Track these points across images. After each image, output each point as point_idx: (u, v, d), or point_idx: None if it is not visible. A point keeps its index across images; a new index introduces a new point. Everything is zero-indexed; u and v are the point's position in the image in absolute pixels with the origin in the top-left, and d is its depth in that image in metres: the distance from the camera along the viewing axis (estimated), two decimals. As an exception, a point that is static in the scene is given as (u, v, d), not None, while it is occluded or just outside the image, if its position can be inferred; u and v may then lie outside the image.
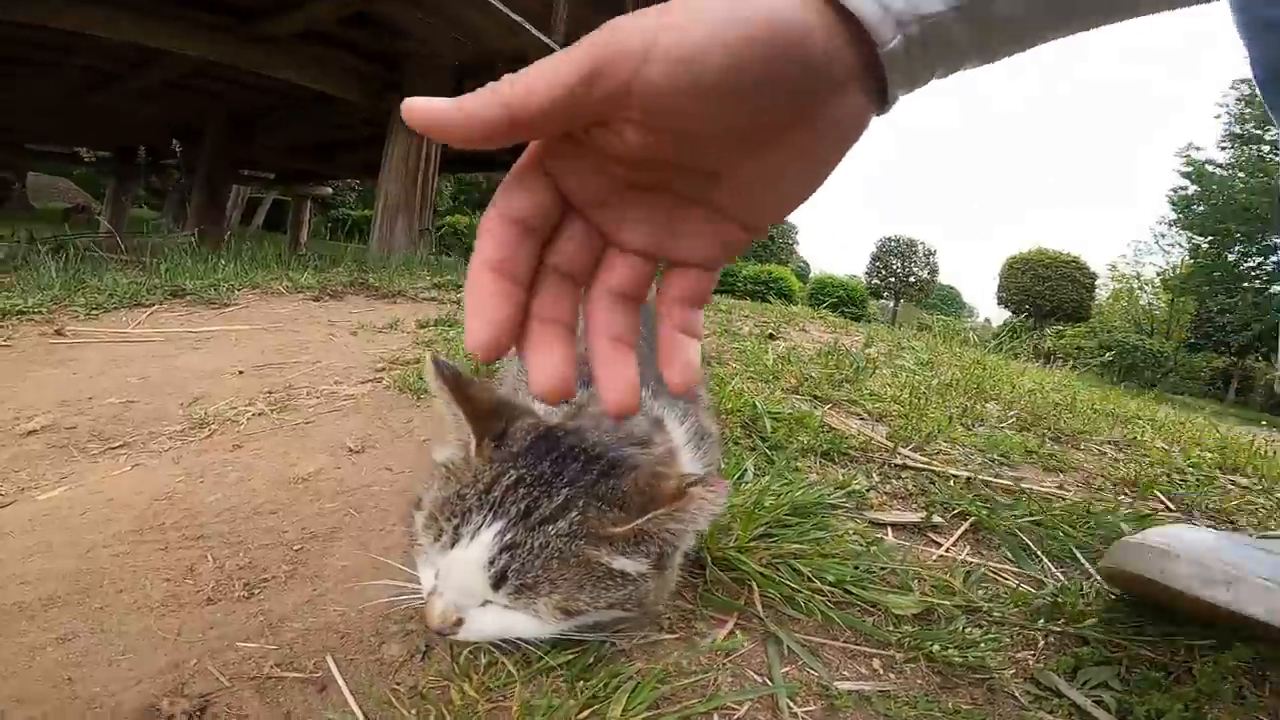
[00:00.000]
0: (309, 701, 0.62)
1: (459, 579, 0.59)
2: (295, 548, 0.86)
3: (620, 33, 0.33)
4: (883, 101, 0.38)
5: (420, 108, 0.34)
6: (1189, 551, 0.75)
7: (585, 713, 0.60)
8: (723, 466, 1.09)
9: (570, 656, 0.66)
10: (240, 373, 1.65)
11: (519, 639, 0.62)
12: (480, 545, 0.57)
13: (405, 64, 4.31)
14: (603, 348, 0.39)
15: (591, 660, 0.66)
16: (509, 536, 0.57)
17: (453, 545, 0.58)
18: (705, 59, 0.32)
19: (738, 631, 0.76)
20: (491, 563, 0.57)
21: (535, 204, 0.38)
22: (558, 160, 0.38)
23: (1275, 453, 2.01)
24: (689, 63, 0.32)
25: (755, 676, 0.70)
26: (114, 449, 1.24)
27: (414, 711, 0.61)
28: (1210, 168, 20.36)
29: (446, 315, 2.41)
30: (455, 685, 0.63)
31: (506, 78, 0.34)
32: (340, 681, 0.64)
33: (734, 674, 0.69)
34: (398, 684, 0.65)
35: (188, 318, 2.23)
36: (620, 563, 0.59)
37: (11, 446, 1.23)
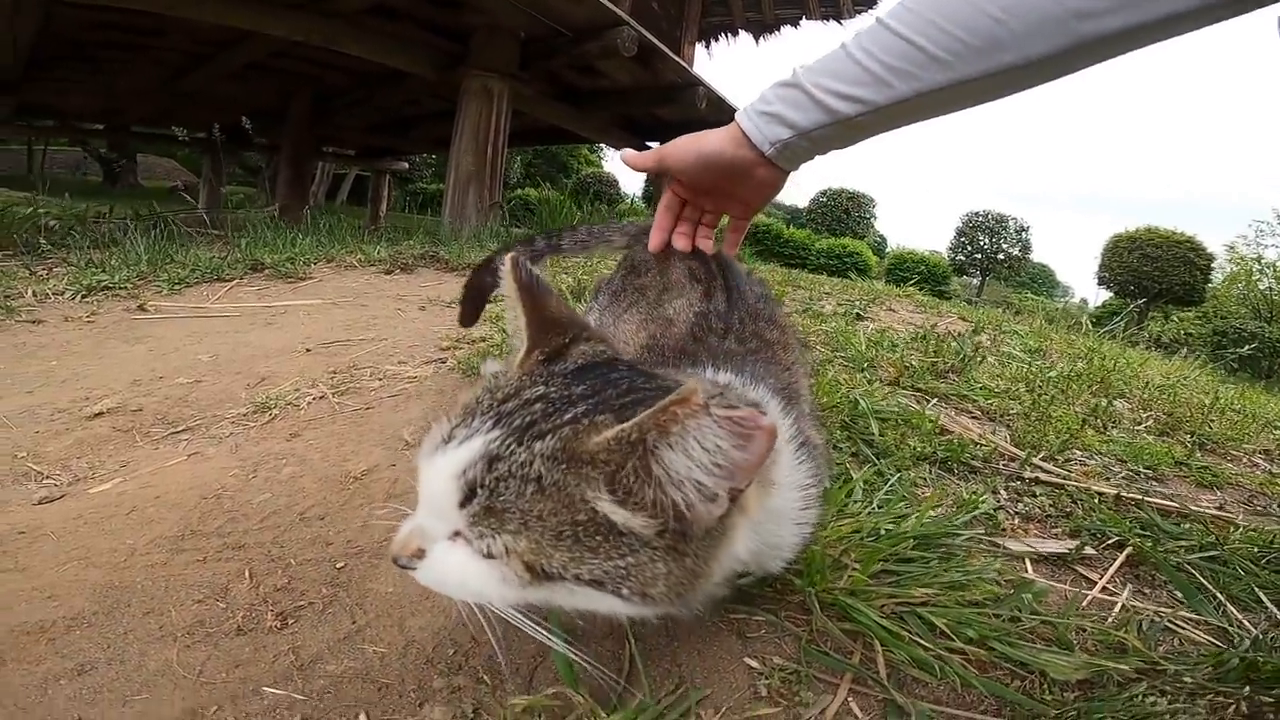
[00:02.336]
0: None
1: (432, 490, 0.48)
2: (339, 565, 0.76)
3: (665, 152, 0.88)
4: (781, 171, 0.84)
5: (629, 155, 0.96)
6: None
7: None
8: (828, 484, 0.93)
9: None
10: (307, 350, 1.60)
11: (481, 603, 0.49)
12: (464, 451, 0.47)
13: (474, 37, 4.21)
14: (700, 240, 0.95)
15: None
16: (496, 447, 0.46)
17: (441, 449, 0.48)
18: (689, 167, 0.86)
19: (851, 700, 0.62)
20: (465, 471, 0.46)
21: (673, 199, 0.93)
22: (674, 187, 0.92)
23: None
24: (684, 167, 0.87)
25: (881, 770, 0.55)
26: (176, 433, 1.20)
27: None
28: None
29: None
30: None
31: (641, 153, 0.96)
32: (374, 751, 0.53)
33: (855, 766, 0.55)
34: (440, 760, 0.53)
35: (264, 291, 2.22)
36: (610, 507, 0.44)
37: (77, 430, 1.20)
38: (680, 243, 0.94)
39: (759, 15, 7.97)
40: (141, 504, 0.91)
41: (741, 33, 8.44)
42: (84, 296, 2.06)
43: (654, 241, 0.94)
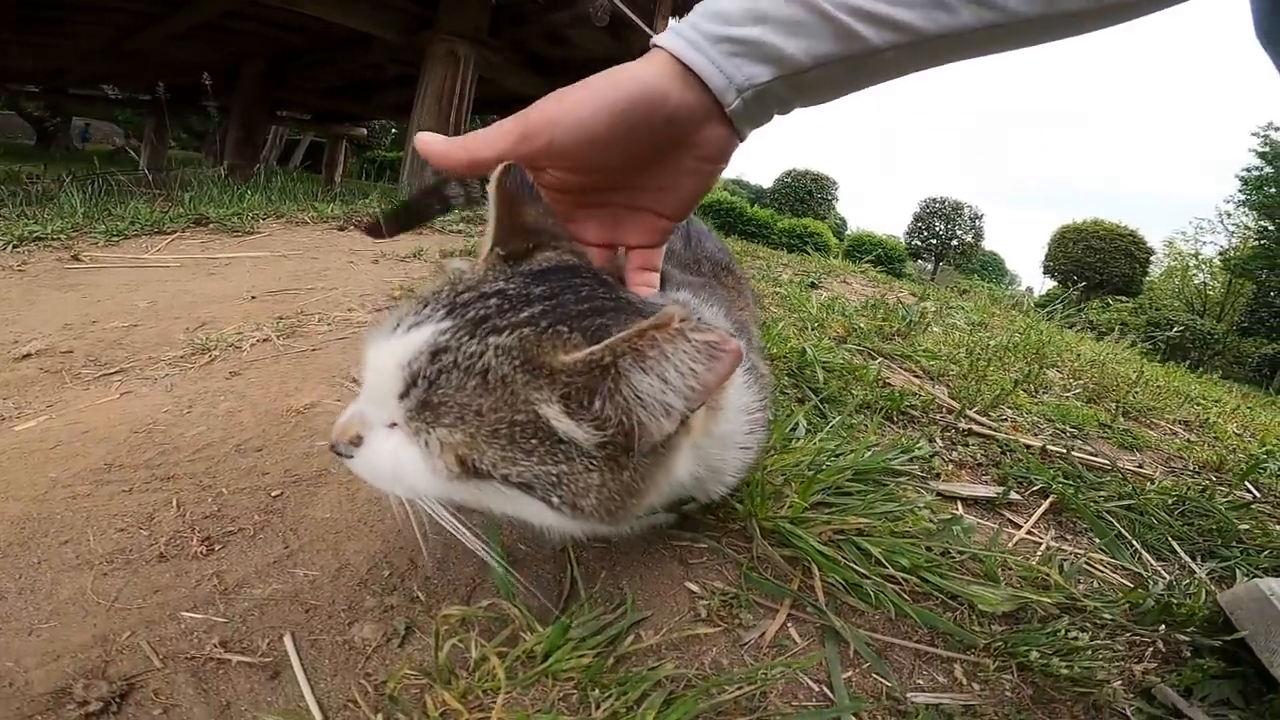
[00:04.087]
0: (255, 692, 0.51)
1: (375, 377, 0.48)
2: (274, 494, 0.75)
3: (538, 111, 0.51)
4: (737, 134, 0.56)
5: (426, 140, 0.53)
6: None
7: (602, 732, 0.47)
8: (773, 416, 0.95)
9: (585, 658, 0.53)
10: (252, 298, 1.55)
11: (407, 492, 0.48)
12: (411, 338, 0.46)
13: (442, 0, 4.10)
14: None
15: (611, 662, 0.54)
16: (446, 339, 0.45)
17: (390, 335, 0.48)
18: (595, 123, 0.50)
19: (790, 625, 0.63)
20: (410, 361, 0.45)
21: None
22: (552, 177, 0.55)
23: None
24: (584, 127, 0.50)
25: (811, 684, 0.57)
26: (108, 375, 1.15)
27: (379, 717, 0.49)
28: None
29: (473, 246, 2.28)
30: (433, 690, 0.51)
31: (472, 134, 0.53)
32: (297, 668, 0.53)
33: (786, 680, 0.56)
34: (366, 675, 0.53)
35: (208, 245, 2.13)
36: (554, 414, 0.43)
37: (4, 371, 1.15)
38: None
39: (733, -10, 7.93)
40: (68, 439, 0.88)
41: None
42: (15, 246, 1.95)
43: None
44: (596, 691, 0.50)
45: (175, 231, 2.24)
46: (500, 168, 0.52)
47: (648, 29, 4.59)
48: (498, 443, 0.44)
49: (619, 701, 0.50)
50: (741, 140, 0.57)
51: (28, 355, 1.21)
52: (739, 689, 0.53)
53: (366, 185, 6.44)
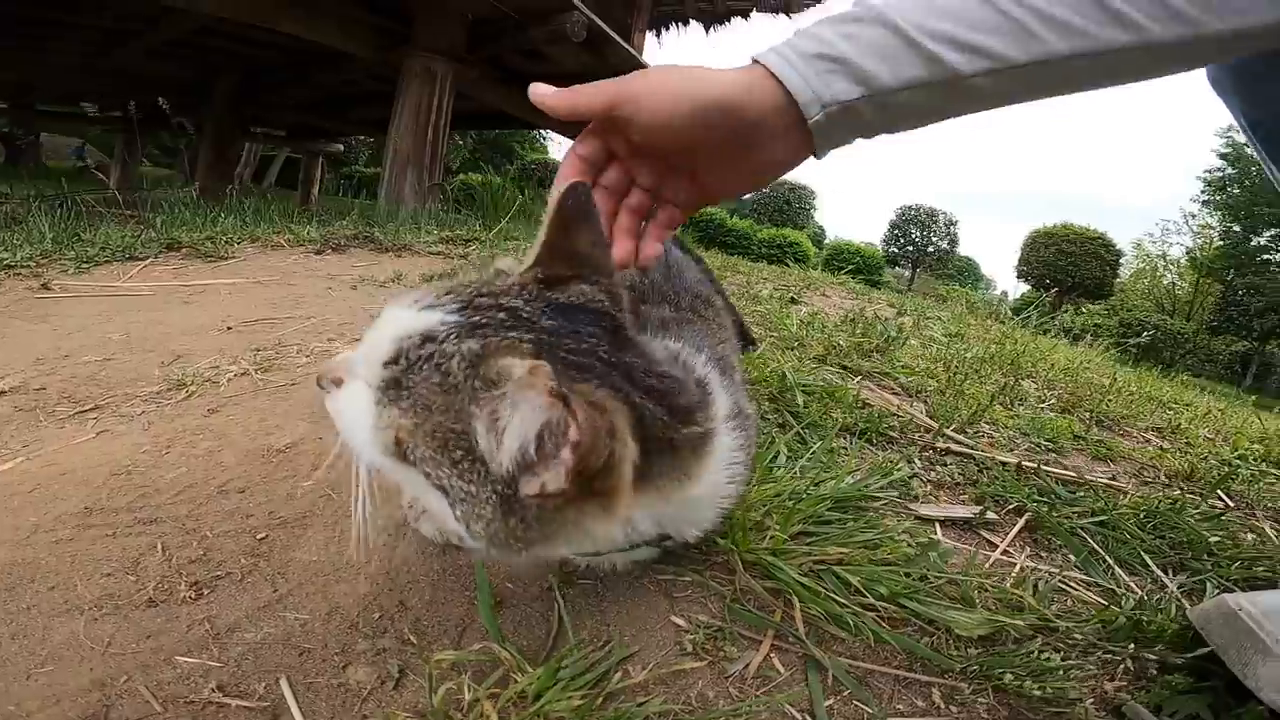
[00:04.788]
0: (253, 737, 0.51)
1: (375, 337, 0.51)
2: (259, 536, 0.75)
3: (627, 86, 0.57)
4: (810, 152, 0.60)
5: (538, 90, 0.60)
6: (1278, 646, 0.64)
7: (592, 771, 0.48)
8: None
9: (575, 699, 0.54)
10: (228, 329, 1.54)
11: (352, 445, 0.52)
12: (419, 319, 0.49)
13: (418, 17, 4.09)
14: (620, 235, 0.65)
15: (600, 700, 0.55)
16: (440, 329, 0.48)
17: (407, 306, 0.51)
18: (672, 120, 0.56)
19: (774, 655, 0.64)
20: (404, 338, 0.48)
21: (592, 150, 0.64)
22: (604, 133, 0.63)
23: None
24: (661, 117, 0.56)
25: (795, 714, 0.58)
26: (84, 412, 1.14)
27: (376, 764, 0.49)
28: (1250, 150, 19.64)
29: (453, 269, 2.28)
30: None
31: (577, 86, 0.59)
32: (295, 712, 0.53)
33: (770, 710, 0.58)
34: (364, 718, 0.53)
35: (181, 271, 2.11)
36: (479, 430, 0.45)
37: (-23, 409, 1.13)
38: (619, 248, 0.64)
39: (710, 5, 8.06)
40: (45, 481, 0.87)
41: (693, 22, 8.53)
42: (-17, 275, 1.92)
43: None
44: (587, 733, 0.51)
45: (147, 257, 2.21)
46: (566, 186, 0.56)
47: (625, 44, 4.63)
48: (433, 442, 0.47)
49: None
50: (817, 157, 0.60)
51: (1, 393, 1.20)
52: (726, 724, 0.54)
53: (344, 202, 6.40)
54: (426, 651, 0.61)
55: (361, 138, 12.35)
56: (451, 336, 0.48)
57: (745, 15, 8.19)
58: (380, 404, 0.48)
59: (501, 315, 0.49)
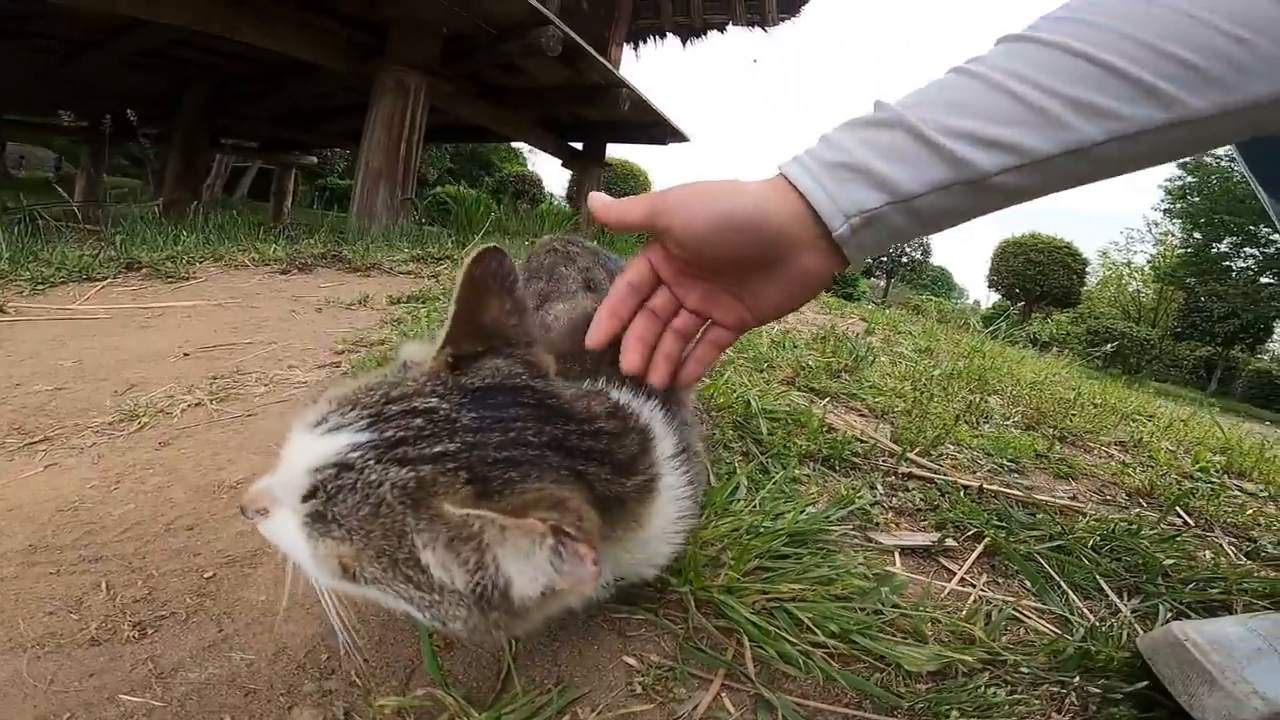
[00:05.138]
0: (191, 788, 0.50)
1: (289, 468, 0.48)
2: (206, 575, 0.73)
3: (662, 198, 0.58)
4: (844, 262, 0.57)
5: (596, 200, 0.62)
6: (1224, 678, 0.65)
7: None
8: (712, 482, 0.96)
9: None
10: (185, 355, 1.51)
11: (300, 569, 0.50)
12: (326, 444, 0.47)
13: (391, 30, 4.08)
14: (659, 359, 0.63)
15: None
16: (356, 455, 0.46)
17: (310, 430, 0.48)
18: (703, 229, 0.55)
19: (724, 695, 0.64)
20: (319, 469, 0.46)
21: (640, 276, 0.63)
22: (651, 253, 0.63)
23: (1278, 455, 1.93)
24: (694, 228, 0.56)
25: (744, 759, 0.58)
26: (33, 444, 1.11)
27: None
28: (1208, 158, 20.24)
29: (422, 291, 2.25)
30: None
31: (623, 200, 0.61)
32: (234, 761, 0.52)
33: (718, 754, 0.57)
34: (303, 769, 0.52)
35: (140, 292, 2.07)
36: (429, 555, 0.45)
37: (-82, 441, 1.09)
38: (656, 373, 0.62)
39: (687, 19, 8.14)
40: (-12, 519, 0.84)
41: (669, 36, 8.60)
42: (-68, 298, 1.87)
43: (597, 332, 0.62)
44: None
45: (105, 278, 2.17)
46: (475, 254, 0.53)
47: (600, 58, 4.66)
48: (379, 564, 0.46)
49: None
50: (850, 266, 0.58)
51: (-54, 424, 1.16)
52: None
53: (317, 215, 6.34)
54: (372, 693, 0.60)
55: (337, 150, 12.27)
56: (370, 461, 0.46)
57: (722, 29, 8.30)
58: (311, 537, 0.47)
59: (418, 422, 0.47)
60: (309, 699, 0.59)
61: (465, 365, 0.52)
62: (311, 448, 0.47)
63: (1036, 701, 0.68)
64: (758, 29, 8.08)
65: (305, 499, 0.46)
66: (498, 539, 0.43)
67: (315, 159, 9.91)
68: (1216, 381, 19.88)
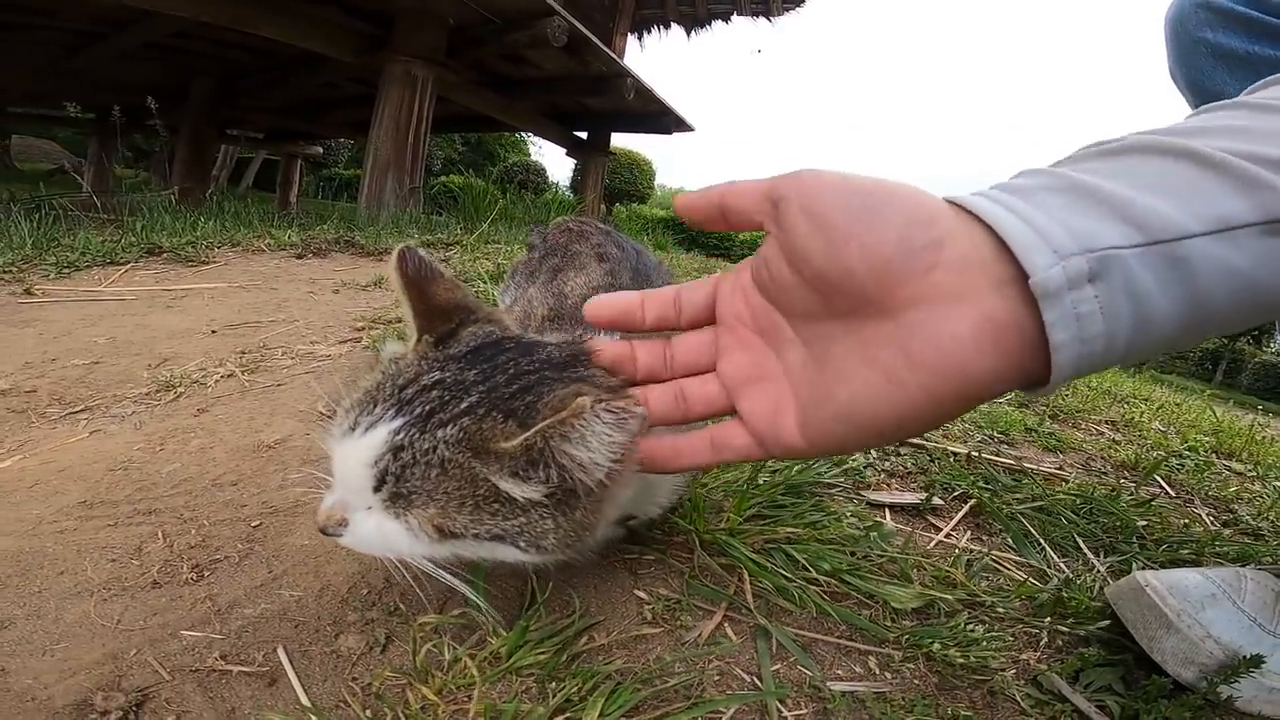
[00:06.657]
0: (256, 697, 0.57)
1: (346, 473, 0.54)
2: (254, 524, 0.80)
3: (785, 181, 0.43)
4: (1027, 352, 0.34)
5: (687, 197, 0.49)
6: (1180, 621, 0.71)
7: (558, 719, 0.55)
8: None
9: (542, 655, 0.61)
10: (213, 332, 1.58)
11: (399, 557, 0.55)
12: (371, 440, 0.52)
13: (398, 21, 4.12)
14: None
15: (566, 658, 0.61)
16: (401, 437, 0.51)
17: (349, 435, 0.53)
18: (835, 207, 0.39)
19: (726, 624, 0.71)
20: (376, 461, 0.52)
21: (699, 296, 0.52)
22: (726, 281, 0.51)
23: (1270, 439, 1.98)
24: (824, 204, 0.39)
25: (744, 675, 0.65)
26: (75, 413, 1.18)
27: (368, 713, 0.55)
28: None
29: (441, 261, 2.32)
30: (413, 687, 0.58)
31: (729, 184, 0.47)
32: (291, 676, 0.59)
33: (721, 672, 0.64)
34: (354, 679, 0.59)
35: (163, 275, 2.14)
36: (508, 484, 0.50)
37: (-33, 412, 1.17)
38: (696, 405, 0.50)
39: (691, 9, 8.17)
40: (45, 478, 0.92)
41: (674, 26, 8.64)
42: (-36, 282, 1.94)
43: (607, 308, 0.52)
44: (553, 684, 0.58)
45: (128, 262, 2.24)
46: (395, 257, 0.59)
47: (605, 48, 4.70)
48: (466, 511, 0.51)
49: (574, 692, 0.57)
50: (1054, 376, 0.34)
51: (-8, 394, 1.23)
52: (678, 679, 0.61)
53: (324, 205, 6.40)
54: (411, 619, 0.67)
55: (342, 140, 12.30)
56: (415, 435, 0.51)
57: (726, 19, 8.32)
58: (400, 515, 0.52)
59: (435, 394, 0.52)
60: (353, 627, 0.66)
61: (445, 342, 0.58)
62: (357, 449, 0.52)
63: (1012, 639, 0.75)
64: (762, 19, 8.11)
65: (377, 489, 0.52)
66: (557, 438, 0.48)
67: (321, 149, 9.94)
68: (1222, 373, 19.85)
